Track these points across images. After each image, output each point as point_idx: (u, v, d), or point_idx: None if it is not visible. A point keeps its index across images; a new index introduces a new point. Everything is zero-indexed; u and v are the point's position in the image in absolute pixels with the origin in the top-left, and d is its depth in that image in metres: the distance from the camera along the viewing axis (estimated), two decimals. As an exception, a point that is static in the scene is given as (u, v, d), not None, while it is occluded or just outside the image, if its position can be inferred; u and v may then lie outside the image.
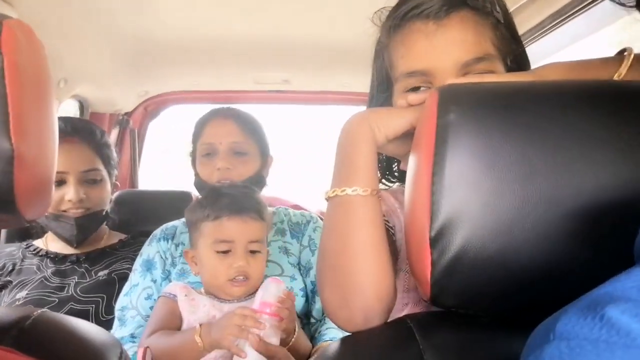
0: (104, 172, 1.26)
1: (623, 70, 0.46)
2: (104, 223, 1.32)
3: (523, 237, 0.40)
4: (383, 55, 0.66)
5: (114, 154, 1.33)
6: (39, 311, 0.51)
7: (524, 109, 0.42)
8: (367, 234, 0.51)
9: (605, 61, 0.48)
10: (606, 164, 0.40)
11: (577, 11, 0.97)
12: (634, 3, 0.35)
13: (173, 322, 0.96)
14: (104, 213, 1.27)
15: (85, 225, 1.21)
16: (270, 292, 0.88)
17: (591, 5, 0.93)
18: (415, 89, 0.60)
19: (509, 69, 0.61)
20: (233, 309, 0.91)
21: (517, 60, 0.62)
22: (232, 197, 0.99)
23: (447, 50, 0.57)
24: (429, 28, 0.57)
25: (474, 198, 0.40)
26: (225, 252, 0.95)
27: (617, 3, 0.36)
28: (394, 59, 0.63)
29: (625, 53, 0.47)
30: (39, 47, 0.46)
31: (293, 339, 0.91)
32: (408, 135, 0.50)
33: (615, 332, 0.26)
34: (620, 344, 0.26)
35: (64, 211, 1.19)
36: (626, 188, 0.39)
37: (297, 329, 0.92)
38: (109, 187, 1.28)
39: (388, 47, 0.64)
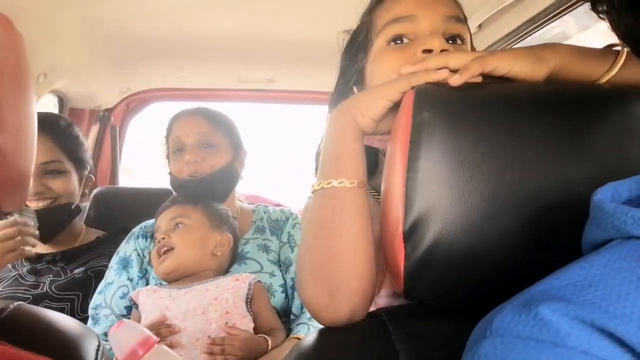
0: (68, 164, 1.21)
1: (615, 69, 0.48)
2: (81, 220, 1.28)
3: (492, 231, 0.42)
4: (366, 21, 0.67)
5: (84, 146, 1.27)
6: (15, 304, 0.51)
7: (495, 109, 0.44)
8: (355, 228, 0.49)
9: (603, 54, 0.50)
10: (572, 161, 0.42)
11: (551, 17, 1.00)
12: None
13: None
14: (73, 207, 1.21)
15: (49, 219, 1.14)
16: (124, 340, 0.73)
17: (564, 12, 0.97)
18: (398, 43, 0.61)
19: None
20: (188, 292, 0.97)
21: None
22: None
23: (434, 1, 0.62)
24: None
25: (446, 193, 0.42)
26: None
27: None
28: (379, 14, 0.64)
29: (619, 49, 0.49)
30: (18, 38, 0.46)
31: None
32: (395, 109, 0.50)
33: (546, 330, 0.27)
34: (549, 343, 0.26)
35: (26, 205, 1.12)
36: (592, 184, 0.41)
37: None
38: (75, 179, 1.22)
39: (374, 9, 0.66)
